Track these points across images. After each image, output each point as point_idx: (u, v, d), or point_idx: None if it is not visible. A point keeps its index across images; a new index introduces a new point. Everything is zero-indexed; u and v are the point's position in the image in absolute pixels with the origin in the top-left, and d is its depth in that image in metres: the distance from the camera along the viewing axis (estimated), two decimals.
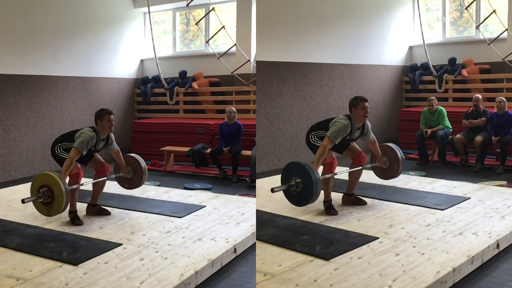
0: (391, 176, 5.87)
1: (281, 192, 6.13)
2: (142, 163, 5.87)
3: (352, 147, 5.50)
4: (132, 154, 6.02)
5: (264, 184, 6.64)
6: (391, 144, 5.88)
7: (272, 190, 4.91)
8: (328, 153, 5.24)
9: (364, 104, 5.24)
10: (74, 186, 5.22)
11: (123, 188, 6.77)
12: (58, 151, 5.31)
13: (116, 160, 5.81)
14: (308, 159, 8.60)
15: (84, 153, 5.20)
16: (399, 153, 5.75)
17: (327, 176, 5.28)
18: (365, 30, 10.03)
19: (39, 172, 8.45)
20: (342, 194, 5.66)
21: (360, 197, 5.66)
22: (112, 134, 5.54)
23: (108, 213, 5.55)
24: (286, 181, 4.99)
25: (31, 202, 4.97)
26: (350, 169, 5.54)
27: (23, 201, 4.93)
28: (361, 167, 5.53)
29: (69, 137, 5.32)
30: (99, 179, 5.53)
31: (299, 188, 4.91)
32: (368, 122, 5.45)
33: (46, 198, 4.88)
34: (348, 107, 5.34)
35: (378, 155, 5.73)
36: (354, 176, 5.54)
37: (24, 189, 6.81)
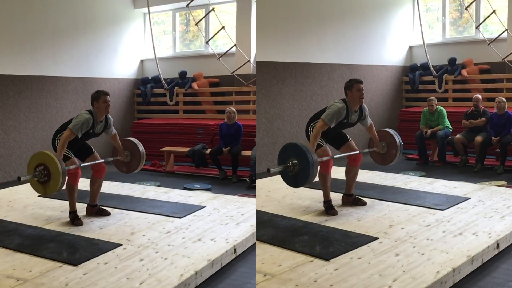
0: (389, 162, 5.86)
1: (281, 192, 6.17)
2: (140, 147, 5.86)
3: (349, 145, 5.49)
4: (130, 138, 6.05)
5: (264, 184, 6.64)
6: (389, 130, 5.89)
7: (268, 170, 4.90)
8: (325, 152, 5.24)
9: (359, 86, 5.22)
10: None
11: (123, 189, 6.80)
12: (57, 143, 5.29)
13: (114, 144, 5.82)
14: None
15: (79, 135, 5.18)
16: (397, 138, 5.75)
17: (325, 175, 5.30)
18: (365, 30, 10.03)
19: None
20: (342, 195, 5.65)
21: (359, 197, 5.65)
22: (110, 117, 5.54)
23: (108, 214, 5.55)
24: (282, 162, 4.98)
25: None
26: (346, 168, 5.53)
27: (19, 178, 4.96)
28: (356, 166, 5.54)
29: (67, 125, 5.31)
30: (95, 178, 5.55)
31: (295, 169, 4.90)
32: (365, 106, 5.44)
33: (42, 177, 4.89)
34: (344, 91, 5.33)
35: (376, 140, 5.75)
36: (351, 175, 5.53)
37: (24, 190, 6.82)
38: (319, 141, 5.24)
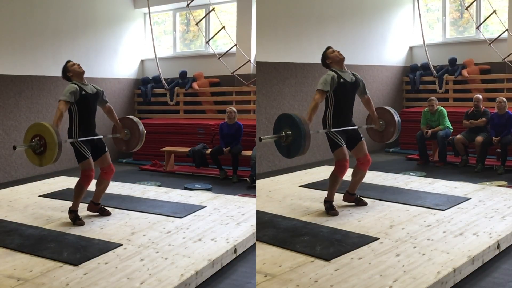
0: (386, 140, 5.86)
1: (282, 193, 6.17)
2: (140, 125, 5.86)
3: (361, 147, 5.44)
4: (130, 116, 6.06)
5: (264, 185, 6.64)
6: (388, 108, 5.89)
7: (260, 139, 4.92)
8: (343, 154, 5.20)
9: (330, 49, 5.42)
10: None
11: (123, 189, 6.79)
12: (77, 142, 5.26)
13: (111, 121, 5.84)
14: (309, 160, 8.67)
15: (72, 99, 5.17)
16: (396, 117, 5.75)
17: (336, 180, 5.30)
18: (365, 30, 10.03)
19: (39, 173, 8.56)
20: (343, 195, 5.65)
21: (361, 197, 5.65)
22: (100, 88, 5.56)
23: (108, 214, 5.55)
24: (276, 132, 5.00)
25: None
26: (354, 169, 5.51)
27: (14, 147, 5.00)
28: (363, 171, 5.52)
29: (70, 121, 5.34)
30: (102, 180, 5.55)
31: (289, 139, 4.92)
32: (360, 76, 5.48)
33: (38, 147, 4.91)
34: (323, 65, 5.45)
35: (374, 116, 5.74)
36: (357, 178, 5.52)
37: (25, 190, 6.83)
38: (338, 139, 5.23)
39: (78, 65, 5.45)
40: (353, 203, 5.57)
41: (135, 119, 5.95)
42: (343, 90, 5.26)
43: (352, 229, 4.81)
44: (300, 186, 6.51)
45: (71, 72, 5.41)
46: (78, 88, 5.27)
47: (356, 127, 5.42)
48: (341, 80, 5.26)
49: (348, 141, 5.36)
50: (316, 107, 5.14)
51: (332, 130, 5.23)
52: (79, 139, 5.25)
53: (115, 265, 4.15)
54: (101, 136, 5.53)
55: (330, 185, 5.34)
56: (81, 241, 4.68)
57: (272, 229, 4.87)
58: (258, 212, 5.32)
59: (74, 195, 5.34)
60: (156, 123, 9.94)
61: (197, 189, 7.18)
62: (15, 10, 8.52)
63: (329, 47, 5.46)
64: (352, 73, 5.42)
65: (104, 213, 5.53)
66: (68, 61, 5.50)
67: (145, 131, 5.92)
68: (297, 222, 5.05)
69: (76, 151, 5.30)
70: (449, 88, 10.05)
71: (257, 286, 3.73)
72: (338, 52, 5.40)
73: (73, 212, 5.29)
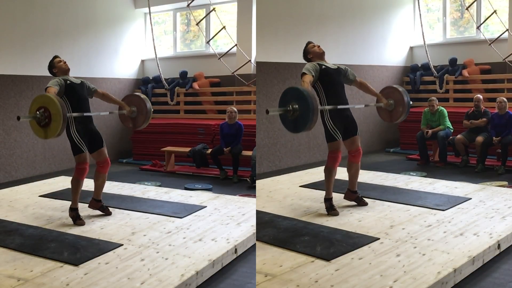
0: (395, 119, 5.85)
1: (282, 193, 6.17)
2: (148, 103, 5.86)
3: (354, 140, 5.44)
4: (138, 93, 6.07)
5: (265, 185, 6.64)
6: (397, 86, 5.86)
7: (267, 112, 4.83)
8: (336, 147, 5.26)
9: (311, 43, 5.53)
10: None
11: (124, 189, 6.79)
12: (74, 134, 5.28)
13: (112, 103, 5.88)
14: (309, 160, 8.67)
15: (58, 88, 5.18)
16: (406, 97, 5.72)
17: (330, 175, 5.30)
18: (365, 30, 10.02)
19: (39, 173, 8.57)
20: (343, 194, 5.65)
21: (362, 197, 5.65)
22: (85, 81, 5.58)
23: (109, 213, 5.55)
24: (283, 106, 4.91)
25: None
26: (347, 164, 5.50)
27: (18, 118, 5.03)
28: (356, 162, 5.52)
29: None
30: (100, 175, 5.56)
31: (296, 114, 4.84)
32: (343, 66, 5.54)
33: (43, 119, 4.93)
34: (305, 59, 5.52)
35: (378, 95, 5.77)
36: (352, 172, 5.51)
37: (25, 190, 6.83)
38: (335, 133, 5.25)
39: (64, 62, 5.48)
40: (353, 203, 5.57)
41: (143, 96, 5.97)
42: (328, 77, 5.33)
43: (353, 229, 4.81)
44: (300, 186, 6.51)
45: (56, 68, 5.46)
46: (62, 79, 5.31)
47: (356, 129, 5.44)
48: (323, 66, 5.34)
49: (344, 132, 5.36)
50: (308, 84, 5.12)
51: (330, 123, 5.25)
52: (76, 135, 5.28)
53: (115, 265, 4.15)
54: (107, 112, 5.49)
55: (326, 179, 5.34)
56: (81, 241, 4.68)
57: (273, 229, 4.86)
58: (258, 212, 5.32)
59: (72, 190, 5.36)
60: (157, 123, 9.93)
61: (197, 189, 7.18)
62: (15, 10, 8.52)
63: (309, 42, 5.57)
64: (334, 64, 5.51)
65: (106, 211, 5.54)
66: (55, 57, 5.53)
67: (151, 108, 5.91)
68: (298, 222, 5.05)
69: (72, 143, 5.31)
70: (449, 88, 10.05)
71: (258, 286, 3.73)
72: (318, 46, 5.51)
73: (73, 210, 5.29)
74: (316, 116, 4.80)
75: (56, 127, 4.89)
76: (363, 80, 5.77)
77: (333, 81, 5.37)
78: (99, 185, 5.56)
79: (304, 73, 5.21)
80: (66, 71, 5.45)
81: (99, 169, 5.53)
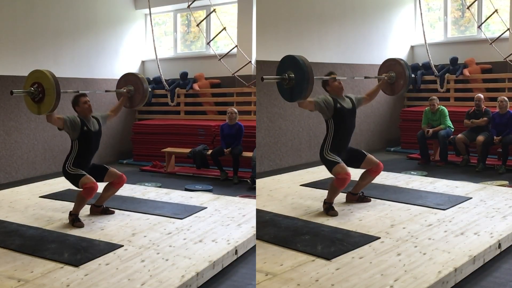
0: (397, 91, 5.89)
1: (283, 192, 6.17)
2: (145, 83, 5.90)
3: (369, 159, 5.45)
4: (135, 72, 6.12)
5: (266, 184, 6.64)
6: (399, 59, 5.89)
7: (262, 79, 4.84)
8: (343, 168, 5.17)
9: (332, 75, 5.40)
10: None
11: (124, 190, 6.76)
12: (68, 166, 5.29)
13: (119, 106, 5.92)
14: (309, 159, 8.66)
15: (66, 121, 5.20)
16: (407, 70, 5.75)
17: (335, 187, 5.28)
18: (366, 29, 10.02)
19: (39, 174, 8.57)
20: (346, 194, 5.64)
21: (364, 195, 5.65)
22: (98, 114, 5.59)
23: (112, 212, 5.56)
24: (280, 74, 4.92)
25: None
26: (364, 173, 5.52)
27: (11, 92, 5.06)
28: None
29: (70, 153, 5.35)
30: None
31: (292, 82, 4.84)
32: (354, 96, 5.52)
33: (37, 94, 4.96)
34: (323, 87, 5.46)
35: (379, 85, 5.84)
36: (365, 182, 5.53)
37: (25, 190, 6.83)
38: (334, 158, 5.20)
39: (89, 104, 5.41)
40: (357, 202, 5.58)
41: (140, 75, 6.00)
42: (342, 116, 5.28)
43: (353, 228, 4.81)
44: (301, 185, 6.51)
45: (79, 108, 5.39)
46: (79, 122, 5.28)
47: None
48: (338, 105, 5.27)
49: (352, 160, 5.35)
50: (306, 104, 5.14)
51: (328, 153, 5.23)
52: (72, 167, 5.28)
53: (115, 266, 4.14)
54: (103, 91, 5.48)
55: (330, 192, 5.32)
56: (81, 242, 4.68)
57: (273, 228, 4.86)
58: (259, 211, 5.32)
59: (76, 202, 5.29)
60: (157, 124, 9.94)
61: (197, 190, 7.17)
62: (16, 10, 8.53)
63: (332, 73, 5.42)
64: (349, 98, 5.44)
65: (108, 212, 5.55)
66: (83, 95, 5.44)
67: (148, 88, 5.95)
68: (298, 221, 5.05)
69: (69, 177, 5.30)
70: (450, 88, 10.03)
71: (258, 285, 3.72)
72: (339, 82, 5.38)
73: (72, 214, 5.27)
74: (312, 86, 4.80)
75: (49, 101, 4.91)
76: (367, 94, 5.78)
77: (345, 121, 5.33)
78: (106, 196, 5.56)
79: (311, 99, 5.16)
80: (89, 112, 5.40)
81: (114, 184, 5.53)
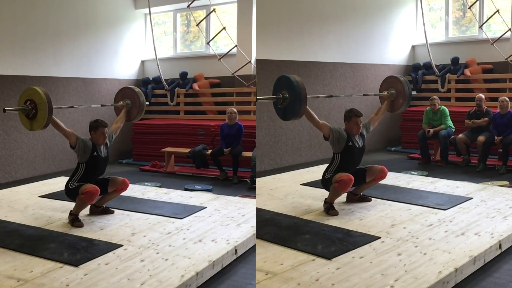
0: (397, 109, 5.91)
1: (283, 191, 6.15)
2: (141, 97, 5.94)
3: (371, 170, 5.45)
4: (131, 86, 6.17)
5: (266, 183, 6.63)
6: (399, 76, 5.90)
7: (256, 99, 5.02)
8: (342, 174, 5.22)
9: (357, 120, 5.34)
10: None
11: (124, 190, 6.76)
12: (70, 184, 5.30)
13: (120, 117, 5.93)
14: (310, 158, 8.65)
15: (79, 141, 5.23)
16: (407, 88, 5.75)
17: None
18: (367, 29, 10.01)
19: (39, 174, 8.55)
20: (346, 194, 5.63)
21: (365, 195, 5.64)
22: (110, 135, 5.60)
23: (111, 212, 5.56)
24: (276, 93, 4.99)
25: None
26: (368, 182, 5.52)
27: (4, 110, 5.13)
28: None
29: (74, 175, 5.35)
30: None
31: (285, 102, 4.89)
32: (364, 132, 5.52)
33: (30, 111, 5.04)
34: (344, 119, 5.45)
35: (382, 107, 5.88)
36: (367, 184, 5.52)
37: (25, 190, 6.82)
38: (332, 174, 5.28)
39: (105, 138, 5.40)
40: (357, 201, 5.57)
41: (136, 89, 6.05)
42: (351, 154, 5.31)
43: (354, 228, 4.80)
44: (301, 184, 6.50)
45: (96, 136, 5.37)
46: (90, 146, 5.29)
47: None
48: (349, 143, 5.29)
49: (356, 179, 5.32)
50: (316, 122, 5.22)
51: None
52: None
53: (115, 266, 4.13)
54: (99, 105, 5.55)
55: (331, 193, 5.32)
56: (81, 242, 4.67)
57: (273, 227, 4.85)
58: (259, 210, 5.30)
59: (76, 204, 5.28)
60: (157, 124, 9.93)
61: (197, 190, 7.16)
62: (16, 10, 8.52)
63: (358, 115, 5.37)
64: (362, 136, 5.46)
65: (108, 212, 5.54)
66: (103, 125, 5.40)
67: (145, 101, 6.00)
68: (299, 221, 5.04)
69: (71, 192, 5.30)
70: (451, 88, 10.01)
71: (258, 284, 3.71)
72: (359, 127, 5.37)
73: (73, 215, 5.26)
74: (305, 106, 4.85)
75: (42, 116, 4.96)
76: (375, 114, 5.84)
77: (352, 159, 5.36)
78: (108, 198, 5.55)
79: (326, 124, 5.24)
80: (102, 143, 5.39)
81: (118, 190, 5.51)
